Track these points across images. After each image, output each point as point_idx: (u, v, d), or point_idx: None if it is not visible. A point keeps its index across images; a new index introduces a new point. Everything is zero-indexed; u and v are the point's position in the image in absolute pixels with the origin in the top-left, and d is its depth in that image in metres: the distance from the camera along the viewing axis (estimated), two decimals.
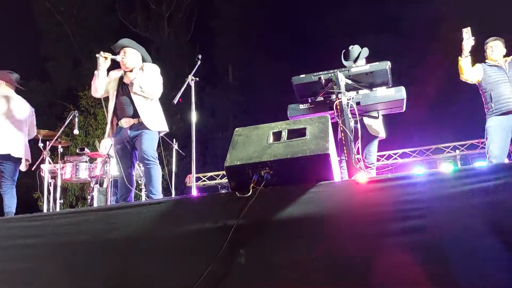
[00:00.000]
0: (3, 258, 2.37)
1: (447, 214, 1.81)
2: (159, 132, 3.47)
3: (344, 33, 11.06)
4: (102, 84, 3.46)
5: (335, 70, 2.89)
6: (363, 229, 1.89)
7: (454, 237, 1.78)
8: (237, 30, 14.66)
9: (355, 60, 3.70)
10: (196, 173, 3.41)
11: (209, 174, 8.96)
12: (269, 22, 14.55)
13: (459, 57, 3.78)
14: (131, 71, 3.41)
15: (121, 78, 3.45)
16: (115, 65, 3.53)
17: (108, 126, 3.46)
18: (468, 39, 3.70)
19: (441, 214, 1.82)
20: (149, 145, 3.28)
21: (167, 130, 3.53)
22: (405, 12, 11.88)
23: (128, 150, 3.42)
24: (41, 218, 2.43)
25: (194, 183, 3.34)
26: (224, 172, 8.68)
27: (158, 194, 3.31)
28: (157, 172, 3.28)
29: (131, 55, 3.44)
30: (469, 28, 3.70)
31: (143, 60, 3.52)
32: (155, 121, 3.39)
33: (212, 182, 8.83)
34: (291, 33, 13.84)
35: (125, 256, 2.20)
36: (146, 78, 3.36)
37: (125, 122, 3.35)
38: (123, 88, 3.40)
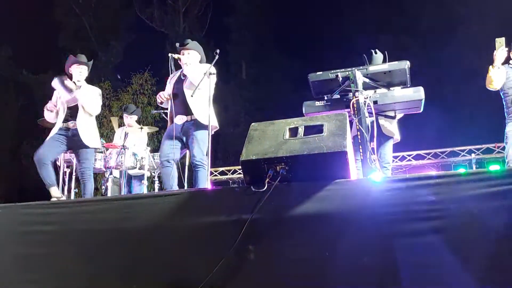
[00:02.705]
0: (20, 243, 2.43)
1: (465, 216, 1.79)
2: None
3: (359, 31, 10.96)
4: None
5: (353, 68, 2.86)
6: (378, 228, 1.88)
7: (471, 239, 1.76)
8: (251, 27, 14.66)
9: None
10: None
11: (220, 169, 9.01)
12: (284, 19, 14.51)
13: (490, 67, 3.69)
14: None
15: (178, 79, 3.71)
16: (177, 66, 3.80)
17: (169, 123, 3.71)
18: (502, 50, 3.60)
19: (459, 216, 1.80)
20: (199, 149, 3.46)
21: (218, 127, 3.67)
22: (422, 12, 11.70)
23: (178, 145, 3.60)
24: (58, 206, 2.48)
25: (208, 177, 3.35)
26: (235, 168, 8.77)
27: None
28: (203, 175, 3.44)
29: (192, 56, 3.71)
30: (503, 38, 3.59)
31: (200, 61, 3.80)
32: (207, 117, 3.55)
33: (223, 177, 8.88)
34: (305, 31, 13.78)
35: (138, 246, 2.23)
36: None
37: (179, 119, 3.59)
38: (179, 88, 3.64)
